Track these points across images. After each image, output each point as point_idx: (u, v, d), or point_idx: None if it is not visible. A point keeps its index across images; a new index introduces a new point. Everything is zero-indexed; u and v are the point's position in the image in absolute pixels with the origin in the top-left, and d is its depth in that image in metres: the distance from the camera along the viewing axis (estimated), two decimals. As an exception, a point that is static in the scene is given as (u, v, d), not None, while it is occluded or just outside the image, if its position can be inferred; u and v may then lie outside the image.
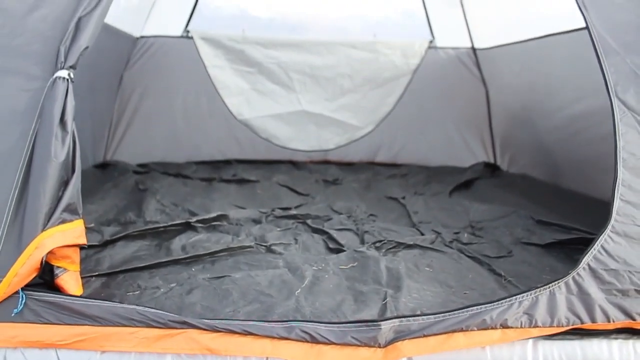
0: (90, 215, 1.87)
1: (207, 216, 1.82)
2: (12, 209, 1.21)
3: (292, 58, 2.90)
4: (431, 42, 2.98)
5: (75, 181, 1.28)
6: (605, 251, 1.27)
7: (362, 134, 3.02)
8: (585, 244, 1.64)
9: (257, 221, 1.88)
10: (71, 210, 1.26)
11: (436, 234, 1.75)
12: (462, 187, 2.61)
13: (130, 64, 2.96)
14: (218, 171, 2.87)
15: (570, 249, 1.68)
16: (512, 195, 2.41)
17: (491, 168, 3.01)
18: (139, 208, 2.01)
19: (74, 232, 1.26)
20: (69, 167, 1.27)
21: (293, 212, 1.99)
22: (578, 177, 2.29)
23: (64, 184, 1.26)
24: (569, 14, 1.65)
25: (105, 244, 1.61)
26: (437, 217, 2.00)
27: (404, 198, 2.26)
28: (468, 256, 1.58)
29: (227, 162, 3.05)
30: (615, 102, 1.40)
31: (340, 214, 2.00)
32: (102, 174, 2.69)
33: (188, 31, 2.93)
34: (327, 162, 3.09)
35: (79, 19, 1.37)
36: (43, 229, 1.20)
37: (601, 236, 1.28)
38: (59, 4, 1.42)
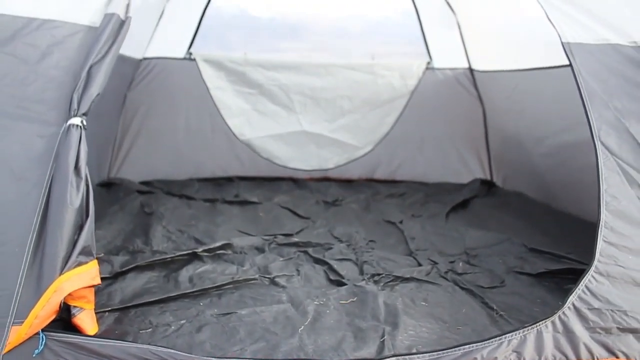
0: (99, 242, 1.94)
1: (212, 245, 1.89)
2: (30, 252, 1.29)
3: (292, 80, 2.98)
4: (429, 63, 3.05)
5: (90, 224, 1.35)
6: (589, 291, 1.35)
7: (361, 153, 3.10)
8: (574, 273, 1.74)
9: (260, 249, 1.96)
10: (86, 252, 1.34)
11: (432, 264, 1.83)
12: (459, 207, 2.69)
13: (134, 84, 3.02)
14: (220, 190, 2.95)
15: (561, 278, 1.76)
16: (507, 216, 2.49)
17: (487, 185, 3.10)
18: (146, 235, 2.09)
19: (89, 273, 1.34)
20: (83, 212, 1.35)
21: (295, 239, 2.07)
22: (570, 200, 2.37)
23: (79, 228, 1.33)
24: (557, 51, 1.72)
25: (116, 276, 1.68)
26: (433, 244, 2.09)
27: (401, 222, 2.33)
28: (462, 288, 1.66)
29: (229, 180, 3.14)
30: (599, 146, 1.48)
31: (340, 241, 2.08)
32: (107, 193, 2.76)
33: (191, 53, 3.00)
34: (327, 179, 3.17)
35: (90, 67, 1.45)
36: (61, 273, 1.27)
37: (585, 276, 1.36)
38: (70, 50, 1.50)
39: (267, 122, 3.02)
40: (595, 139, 1.49)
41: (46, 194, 1.33)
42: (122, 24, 1.53)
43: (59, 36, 1.50)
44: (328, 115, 3.03)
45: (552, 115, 2.32)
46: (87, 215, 1.35)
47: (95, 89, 1.42)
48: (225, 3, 3.08)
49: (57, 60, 1.48)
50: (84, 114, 1.40)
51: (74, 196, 1.31)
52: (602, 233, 1.40)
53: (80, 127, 1.38)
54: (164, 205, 2.53)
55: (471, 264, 1.88)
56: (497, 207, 2.66)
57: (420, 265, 1.84)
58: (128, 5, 1.55)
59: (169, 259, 1.80)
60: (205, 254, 1.86)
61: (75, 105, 1.39)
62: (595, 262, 1.37)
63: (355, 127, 3.05)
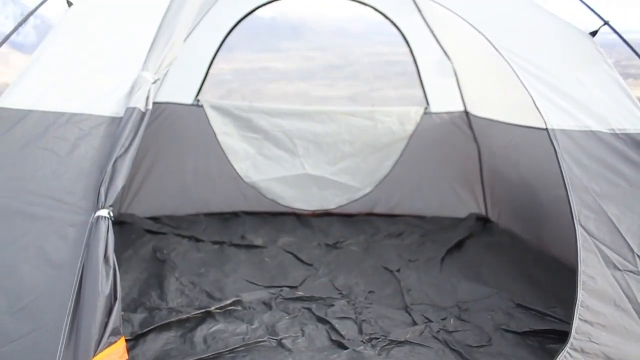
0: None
1: (223, 303, 2.05)
2: (65, 335, 1.44)
3: (296, 126, 3.13)
4: (426, 108, 3.20)
5: (118, 307, 1.50)
6: (565, 366, 1.51)
7: (362, 194, 3.25)
8: (557, 332, 1.90)
9: (267, 304, 2.11)
10: (115, 332, 1.49)
11: (425, 322, 1.98)
12: (454, 248, 2.84)
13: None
14: (227, 228, 3.10)
15: (544, 337, 1.92)
16: (499, 260, 2.64)
17: (482, 221, 3.24)
18: (161, 287, 2.25)
19: (117, 351, 1.49)
20: (112, 297, 1.50)
21: (299, 292, 2.23)
22: (560, 248, 2.51)
23: (109, 311, 1.49)
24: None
25: (137, 337, 1.84)
26: (428, 295, 2.24)
27: (398, 270, 2.49)
28: (452, 349, 1.81)
29: (235, 214, 3.30)
30: (578, 229, 1.63)
31: (342, 294, 2.23)
32: (120, 234, 2.90)
33: (198, 100, 3.15)
34: (329, 214, 3.32)
35: (115, 160, 1.59)
36: (94, 355, 1.43)
37: (561, 353, 1.52)
38: (95, 140, 1.65)
39: (272, 165, 3.17)
40: (575, 222, 1.64)
41: (78, 280, 1.48)
42: (142, 116, 1.67)
43: (86, 128, 1.65)
44: (330, 158, 3.18)
45: (545, 170, 2.44)
46: (115, 299, 1.50)
47: (120, 181, 1.56)
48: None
49: (84, 152, 1.62)
50: (110, 205, 1.55)
51: (104, 285, 1.46)
52: (578, 311, 1.55)
53: (108, 218, 1.53)
54: (174, 250, 2.69)
55: (462, 320, 2.03)
56: (491, 249, 2.81)
57: (414, 322, 1.99)
58: (148, 98, 1.69)
59: (184, 318, 1.96)
60: (218, 310, 2.02)
61: (102, 198, 1.53)
62: (571, 339, 1.52)
63: (356, 169, 3.20)
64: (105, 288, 1.46)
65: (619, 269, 1.60)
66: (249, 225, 3.15)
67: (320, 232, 3.06)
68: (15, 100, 1.65)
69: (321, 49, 3.32)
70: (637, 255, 1.60)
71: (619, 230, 1.62)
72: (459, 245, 2.90)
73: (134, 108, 1.65)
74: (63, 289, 1.47)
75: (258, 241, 2.88)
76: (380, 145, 3.18)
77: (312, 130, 3.13)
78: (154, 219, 3.19)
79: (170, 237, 2.91)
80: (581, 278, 1.57)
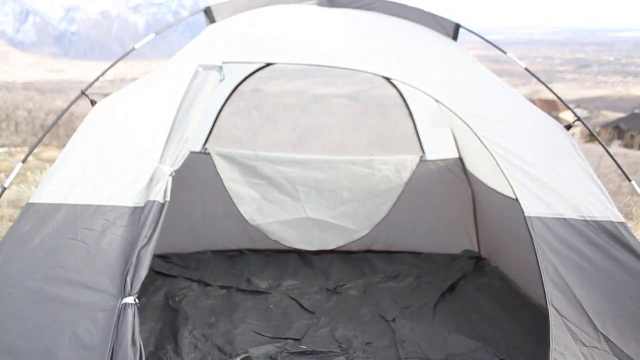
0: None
1: (234, 360, 2.27)
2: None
3: (298, 173, 3.32)
4: (422, 157, 3.38)
5: (143, 382, 1.71)
6: None
7: (360, 236, 3.45)
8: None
9: (274, 359, 2.33)
10: (141, 406, 1.70)
11: (417, 380, 2.20)
12: (447, 292, 3.04)
13: (155, 172, 3.35)
14: (234, 268, 3.31)
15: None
16: (490, 306, 2.84)
17: (475, 259, 3.43)
18: (175, 340, 2.45)
19: None
20: (139, 374, 1.70)
21: (303, 346, 2.43)
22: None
23: (136, 387, 1.69)
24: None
25: (157, 398, 2.06)
26: (420, 347, 2.44)
27: (394, 321, 2.69)
28: (440, 409, 2.03)
29: (241, 252, 3.50)
30: (551, 310, 1.82)
31: (341, 347, 2.43)
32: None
33: (206, 149, 3.33)
34: (330, 252, 3.52)
35: (139, 251, 1.78)
36: None
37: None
38: (120, 229, 1.84)
39: (276, 209, 3.37)
40: (548, 303, 1.83)
41: (109, 361, 1.68)
42: (162, 207, 1.86)
43: (111, 219, 1.84)
44: (330, 203, 3.38)
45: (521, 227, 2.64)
46: (141, 374, 1.71)
47: (144, 271, 1.76)
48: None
49: (110, 241, 1.82)
50: (136, 293, 1.74)
51: (132, 366, 1.66)
52: (550, 384, 1.75)
53: (134, 304, 1.72)
54: (186, 298, 2.89)
55: (450, 376, 2.25)
56: (481, 294, 3.01)
57: (407, 380, 2.21)
58: (166, 191, 1.87)
59: (199, 376, 2.18)
60: (230, 368, 2.24)
61: (129, 287, 1.73)
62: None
63: (354, 214, 3.40)
64: (133, 369, 1.67)
65: (586, 346, 1.80)
66: (254, 265, 3.35)
67: (321, 274, 3.25)
68: (47, 196, 1.84)
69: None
70: (601, 333, 1.80)
71: (585, 310, 1.82)
72: (452, 288, 3.10)
73: (154, 202, 1.84)
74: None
75: (263, 285, 3.09)
76: (377, 192, 3.37)
77: (314, 178, 3.33)
78: (164, 257, 3.39)
79: (180, 282, 3.11)
80: (553, 355, 1.77)
